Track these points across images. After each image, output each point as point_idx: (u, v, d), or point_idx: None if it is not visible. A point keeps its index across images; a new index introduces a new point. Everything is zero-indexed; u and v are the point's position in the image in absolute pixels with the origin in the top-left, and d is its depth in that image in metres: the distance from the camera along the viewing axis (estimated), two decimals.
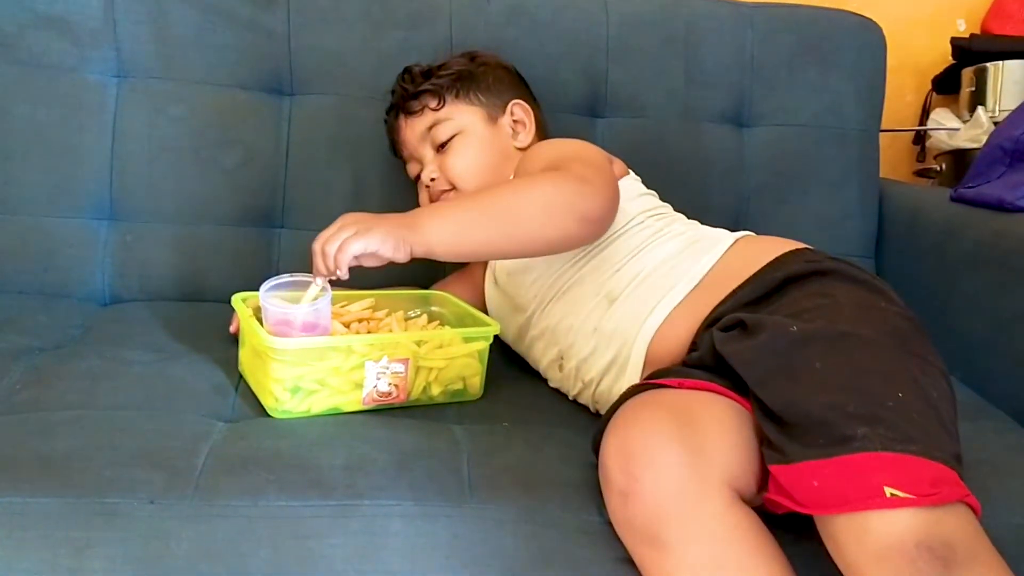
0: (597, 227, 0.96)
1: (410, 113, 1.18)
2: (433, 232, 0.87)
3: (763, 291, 0.89)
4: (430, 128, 1.16)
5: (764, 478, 0.76)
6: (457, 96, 1.17)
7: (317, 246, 0.87)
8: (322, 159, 1.30)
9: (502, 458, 0.83)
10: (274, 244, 1.29)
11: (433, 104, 1.16)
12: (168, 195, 1.25)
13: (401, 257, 0.87)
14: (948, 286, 1.25)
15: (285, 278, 0.92)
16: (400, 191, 1.30)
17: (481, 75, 1.19)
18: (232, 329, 1.05)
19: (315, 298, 0.89)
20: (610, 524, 0.76)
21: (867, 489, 0.66)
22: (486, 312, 1.13)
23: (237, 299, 0.97)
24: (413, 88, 1.18)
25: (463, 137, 1.15)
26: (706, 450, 0.73)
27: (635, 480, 0.72)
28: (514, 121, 1.19)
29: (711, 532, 0.71)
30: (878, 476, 0.66)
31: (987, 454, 0.92)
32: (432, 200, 1.16)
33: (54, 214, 1.22)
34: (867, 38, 1.44)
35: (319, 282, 0.88)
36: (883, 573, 0.65)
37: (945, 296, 1.25)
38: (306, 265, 0.98)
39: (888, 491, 0.66)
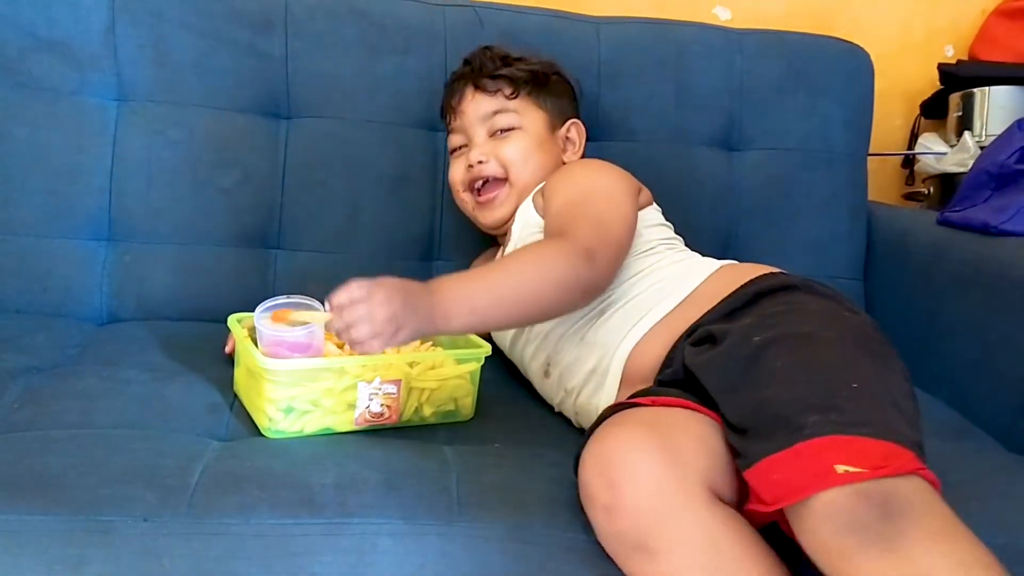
0: (599, 294, 0.99)
1: (483, 90, 1.20)
2: (461, 323, 0.86)
3: (735, 306, 0.92)
4: (495, 112, 1.18)
5: (743, 491, 0.77)
6: (529, 94, 1.20)
7: (343, 317, 0.81)
8: (318, 181, 1.31)
9: (491, 477, 0.85)
10: (270, 265, 1.30)
11: (508, 91, 1.19)
12: (166, 216, 1.26)
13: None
14: (934, 308, 1.27)
15: (281, 300, 0.93)
16: (394, 213, 1.32)
17: (554, 84, 1.23)
18: (227, 350, 1.07)
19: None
20: (596, 542, 0.77)
21: (819, 470, 0.68)
22: None
23: (233, 320, 0.99)
24: (494, 67, 1.20)
25: (523, 132, 1.18)
26: (682, 456, 0.75)
27: (617, 492, 0.73)
28: (567, 138, 1.22)
29: (700, 531, 0.72)
30: (829, 457, 0.68)
31: (970, 475, 0.94)
32: (469, 180, 1.18)
33: (53, 235, 1.23)
34: (855, 64, 1.47)
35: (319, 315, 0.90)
36: (828, 529, 0.67)
37: (931, 318, 1.27)
38: (301, 286, 0.99)
39: (839, 468, 0.67)
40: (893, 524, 0.65)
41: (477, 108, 1.19)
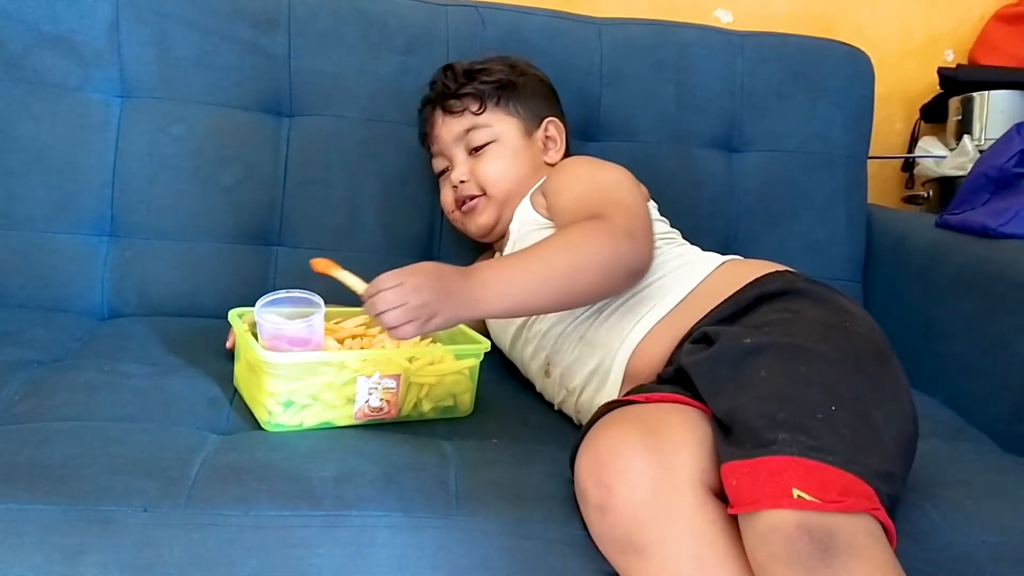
0: (641, 277, 0.98)
1: (450, 112, 1.20)
2: (498, 306, 0.88)
3: (737, 308, 0.92)
4: (467, 131, 1.18)
5: None
6: (497, 104, 1.19)
7: (375, 306, 0.83)
8: (319, 179, 1.32)
9: (489, 472, 0.85)
10: (271, 261, 1.31)
11: (474, 108, 1.19)
12: (168, 212, 1.27)
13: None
14: (933, 310, 1.27)
15: (281, 294, 0.94)
16: (395, 212, 1.33)
17: (522, 86, 1.21)
18: (228, 345, 1.07)
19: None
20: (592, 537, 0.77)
21: (776, 489, 0.68)
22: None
23: (234, 315, 0.99)
24: (456, 87, 1.20)
25: (498, 145, 1.18)
26: (673, 453, 0.75)
27: (609, 491, 0.74)
28: (546, 137, 1.22)
29: (689, 529, 0.73)
30: (788, 478, 0.68)
31: (965, 474, 0.95)
32: (457, 200, 1.19)
33: (55, 230, 1.24)
34: (855, 67, 1.47)
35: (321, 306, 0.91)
36: (764, 551, 0.68)
37: (930, 320, 1.27)
38: (302, 284, 1.00)
39: (796, 492, 0.67)
40: (829, 564, 0.65)
41: (449, 130, 1.20)
